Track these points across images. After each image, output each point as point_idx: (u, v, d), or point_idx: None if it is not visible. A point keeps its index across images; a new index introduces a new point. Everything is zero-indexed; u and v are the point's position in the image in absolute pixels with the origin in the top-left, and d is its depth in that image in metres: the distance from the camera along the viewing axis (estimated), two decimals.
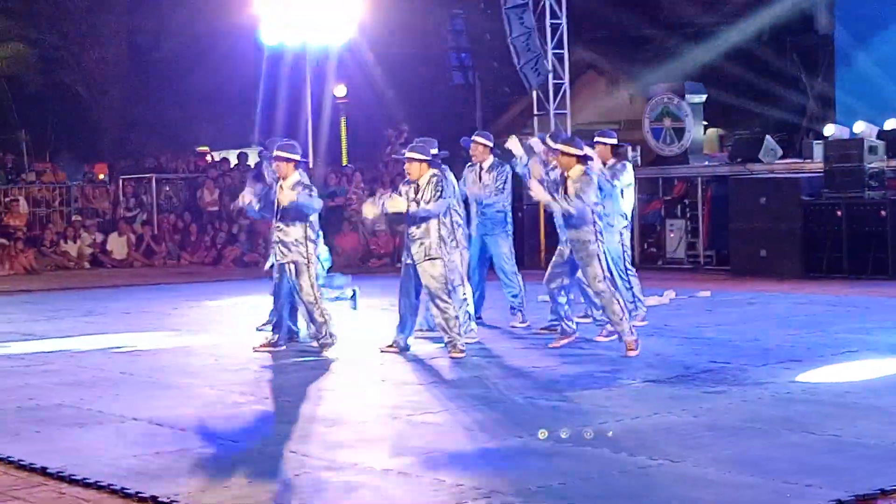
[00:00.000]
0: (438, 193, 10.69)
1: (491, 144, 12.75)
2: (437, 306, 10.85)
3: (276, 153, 11.21)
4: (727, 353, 10.75)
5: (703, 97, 21.12)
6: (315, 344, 11.28)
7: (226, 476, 6.69)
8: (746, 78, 24.02)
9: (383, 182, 24.89)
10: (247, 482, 6.55)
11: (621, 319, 10.77)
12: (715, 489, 6.23)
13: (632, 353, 10.68)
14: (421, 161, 10.82)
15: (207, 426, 8.15)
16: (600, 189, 11.25)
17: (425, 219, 10.75)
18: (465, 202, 12.62)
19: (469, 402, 8.85)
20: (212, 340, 12.77)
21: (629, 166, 12.60)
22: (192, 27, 30.80)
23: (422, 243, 10.79)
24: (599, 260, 10.77)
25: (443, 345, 11.02)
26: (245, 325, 13.52)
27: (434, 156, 11.26)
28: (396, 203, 10.85)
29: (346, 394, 9.64)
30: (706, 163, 21.21)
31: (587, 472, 6.61)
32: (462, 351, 10.84)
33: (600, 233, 10.82)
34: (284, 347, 11.56)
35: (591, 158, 11.08)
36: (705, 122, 21.72)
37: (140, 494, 6.25)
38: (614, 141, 12.59)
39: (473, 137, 12.77)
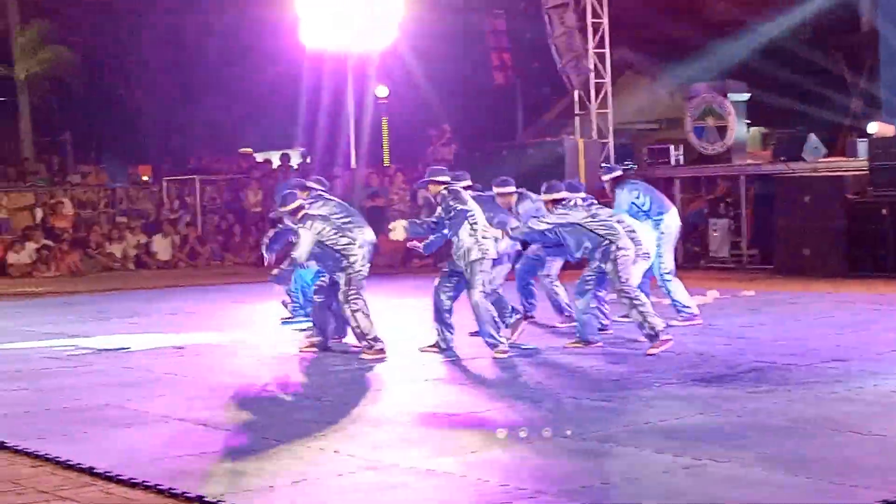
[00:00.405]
0: (447, 207, 11.08)
1: (510, 190, 12.71)
2: (478, 308, 10.94)
3: (280, 211, 11.71)
4: (771, 353, 10.70)
5: (746, 96, 21.01)
6: (360, 345, 11.30)
7: (271, 476, 6.72)
8: (790, 76, 23.87)
9: None
10: (291, 482, 6.58)
11: (644, 322, 10.95)
12: (760, 489, 6.20)
13: (653, 351, 10.77)
14: (433, 183, 11.34)
15: (252, 426, 8.19)
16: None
17: (456, 226, 11.05)
18: None
19: (512, 402, 8.85)
20: (255, 341, 12.83)
21: (618, 193, 12.96)
22: (235, 29, 30.95)
23: (458, 249, 11.04)
24: (617, 270, 11.06)
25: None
26: (288, 325, 13.60)
27: (444, 182, 11.56)
28: (396, 233, 11.46)
29: (389, 394, 9.67)
30: (749, 161, 21.12)
31: (631, 473, 6.60)
32: (505, 351, 10.88)
33: (616, 244, 11.11)
34: (331, 346, 11.66)
35: (560, 201, 11.43)
36: (748, 121, 21.61)
37: (186, 494, 6.29)
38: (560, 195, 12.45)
39: (494, 191, 12.74)
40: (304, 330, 12.55)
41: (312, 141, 28.71)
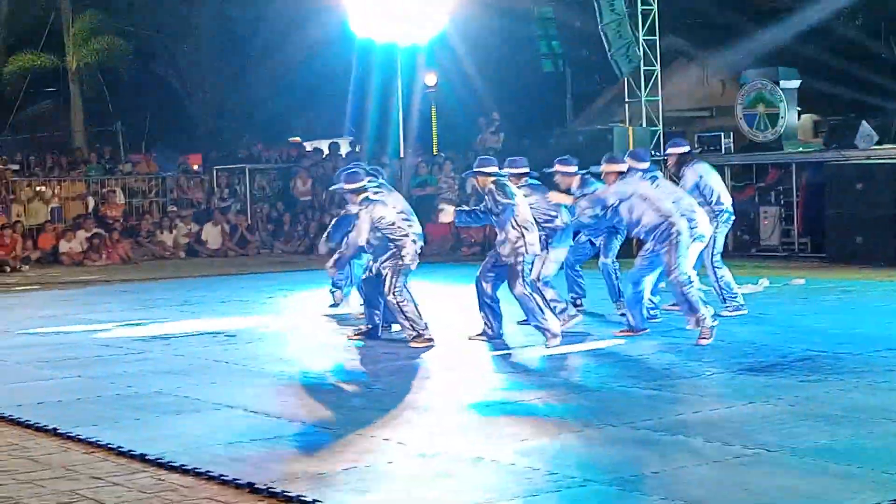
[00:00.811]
0: (494, 202, 10.89)
1: (572, 170, 12.61)
2: (523, 300, 10.89)
3: (343, 186, 11.51)
4: (823, 342, 10.63)
5: (798, 83, 20.85)
6: (409, 333, 11.29)
7: (320, 463, 6.75)
8: (842, 63, 23.66)
9: None
10: (341, 469, 6.60)
11: (693, 309, 10.82)
12: (812, 479, 6.16)
13: (703, 342, 10.66)
14: (481, 175, 11.12)
15: (302, 414, 8.22)
16: None
17: (505, 220, 10.90)
18: None
19: (561, 391, 8.84)
20: (305, 329, 12.88)
21: (685, 171, 12.69)
22: (285, 18, 31.03)
23: (504, 243, 10.92)
24: (671, 253, 10.91)
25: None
26: (338, 313, 13.65)
27: (515, 175, 11.63)
28: (445, 214, 11.36)
29: (438, 382, 9.67)
30: (800, 148, 20.97)
31: (681, 462, 6.57)
32: (556, 336, 10.81)
33: (676, 226, 10.94)
34: (381, 332, 11.67)
35: (622, 173, 11.26)
36: (799, 108, 21.44)
37: (237, 481, 6.32)
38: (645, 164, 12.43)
39: (556, 169, 12.63)
40: (350, 316, 12.59)
41: (361, 129, 28.78)
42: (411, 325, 11.17)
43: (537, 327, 10.94)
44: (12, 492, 6.34)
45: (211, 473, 6.50)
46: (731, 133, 21.65)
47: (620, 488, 6.06)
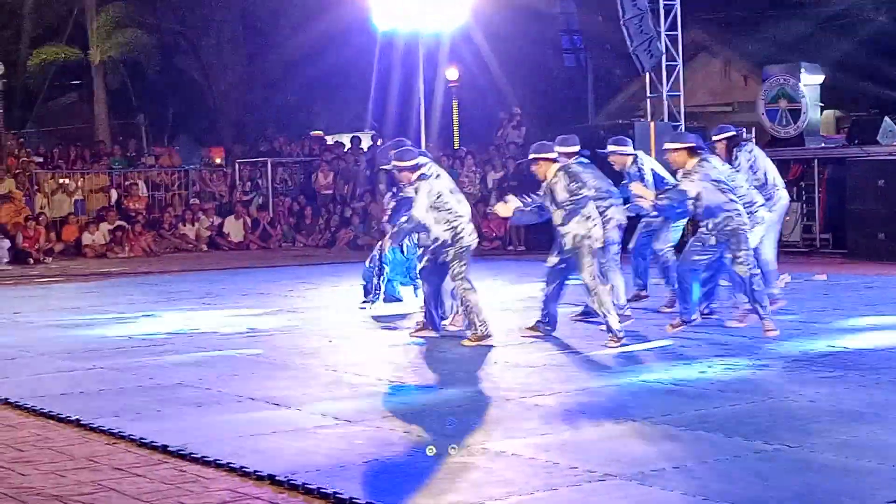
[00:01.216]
0: (571, 190, 10.51)
1: (628, 150, 12.46)
2: (590, 293, 10.73)
3: (394, 164, 11.15)
4: (844, 338, 10.61)
5: (820, 78, 20.80)
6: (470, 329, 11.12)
7: (340, 455, 6.77)
8: (865, 58, 23.58)
9: (494, 165, 24.93)
10: (361, 462, 6.63)
11: (755, 299, 10.71)
12: (832, 475, 6.16)
13: (770, 334, 10.56)
14: (543, 161, 10.74)
15: (322, 406, 8.25)
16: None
17: (571, 214, 10.60)
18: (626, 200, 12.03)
19: (582, 385, 8.83)
20: (326, 322, 12.91)
21: (738, 154, 12.26)
22: (307, 11, 31.10)
23: (568, 235, 10.64)
24: (736, 246, 10.67)
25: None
26: (359, 306, 13.68)
27: (566, 154, 11.27)
28: (505, 208, 11.03)
29: (459, 375, 9.67)
30: (822, 144, 20.92)
31: (702, 457, 6.57)
32: (620, 338, 10.55)
33: (740, 215, 10.69)
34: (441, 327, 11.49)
35: (702, 148, 10.84)
36: (822, 104, 21.38)
37: (258, 473, 6.35)
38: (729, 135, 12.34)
39: (609, 149, 12.43)
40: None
41: (383, 123, 28.83)
42: (471, 320, 10.85)
43: (600, 322, 10.73)
44: (35, 482, 6.38)
45: (232, 465, 6.53)
46: (753, 128, 21.61)
47: (640, 483, 6.07)
